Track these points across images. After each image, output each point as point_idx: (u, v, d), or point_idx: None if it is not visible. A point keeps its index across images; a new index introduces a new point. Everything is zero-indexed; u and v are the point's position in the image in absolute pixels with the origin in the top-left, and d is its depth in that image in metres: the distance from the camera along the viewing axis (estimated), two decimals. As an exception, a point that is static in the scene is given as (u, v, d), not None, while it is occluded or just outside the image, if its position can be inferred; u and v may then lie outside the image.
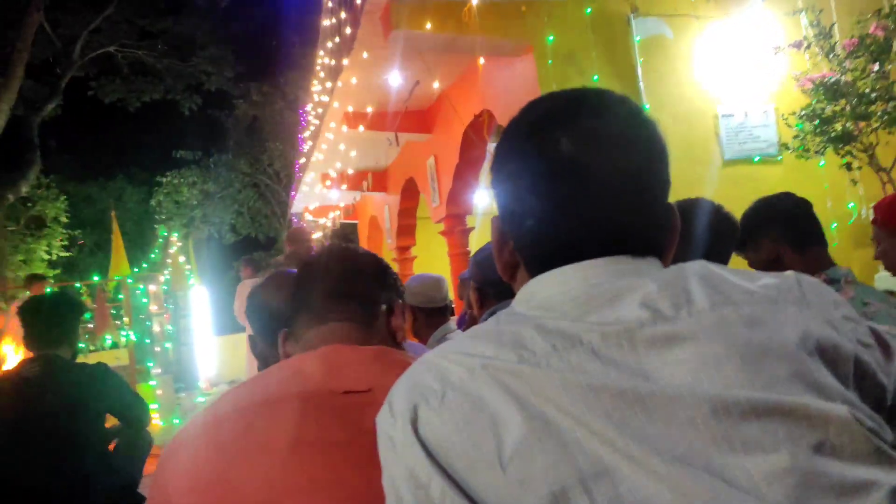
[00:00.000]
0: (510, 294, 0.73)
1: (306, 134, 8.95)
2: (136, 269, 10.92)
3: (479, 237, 6.38)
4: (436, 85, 5.62)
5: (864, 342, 0.63)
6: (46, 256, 14.33)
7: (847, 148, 4.05)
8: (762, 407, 0.54)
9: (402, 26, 4.54)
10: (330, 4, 6.25)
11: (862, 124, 3.96)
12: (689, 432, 0.53)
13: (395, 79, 5.53)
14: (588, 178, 0.66)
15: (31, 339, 2.60)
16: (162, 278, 10.28)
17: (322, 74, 6.98)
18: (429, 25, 4.51)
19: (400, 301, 1.16)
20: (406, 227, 9.00)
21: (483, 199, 7.26)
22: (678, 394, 0.54)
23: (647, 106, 4.41)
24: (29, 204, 14.09)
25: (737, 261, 1.73)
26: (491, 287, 1.84)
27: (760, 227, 1.88)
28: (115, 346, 9.76)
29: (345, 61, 5.57)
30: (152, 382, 8.52)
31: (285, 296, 1.22)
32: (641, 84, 4.58)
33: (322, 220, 12.32)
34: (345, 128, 6.85)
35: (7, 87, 10.88)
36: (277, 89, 17.26)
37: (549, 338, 0.59)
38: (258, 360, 1.53)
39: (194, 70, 16.04)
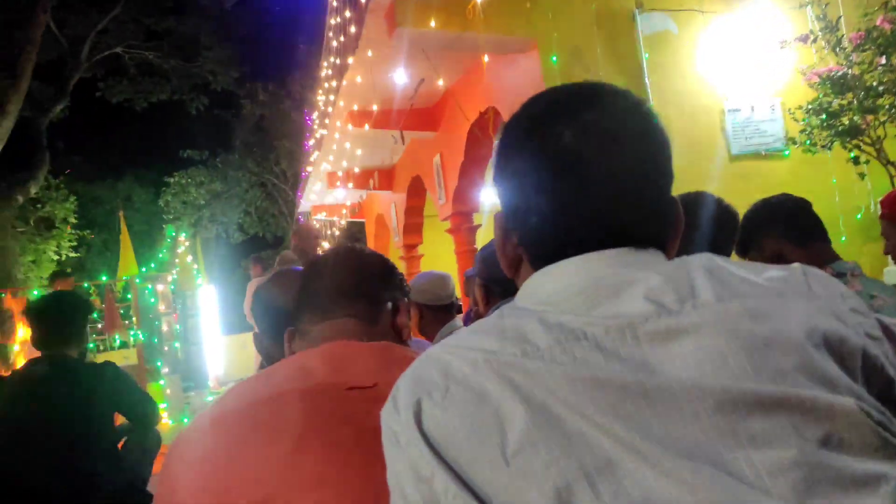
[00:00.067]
0: (516, 291, 0.72)
1: (313, 139, 8.96)
2: (144, 269, 10.96)
3: (486, 234, 6.36)
4: (441, 82, 5.61)
5: (873, 335, 0.63)
6: (55, 257, 14.37)
7: (854, 142, 4.02)
8: (768, 400, 0.53)
9: (407, 24, 4.54)
10: (335, 3, 6.25)
11: (869, 118, 3.92)
12: (695, 426, 0.53)
13: (400, 77, 5.53)
14: (590, 172, 0.66)
15: (39, 339, 2.61)
16: (170, 278, 10.31)
17: (328, 73, 6.99)
18: (433, 23, 4.50)
19: (405, 300, 1.16)
20: (413, 225, 8.99)
21: (490, 197, 7.23)
22: (683, 387, 0.54)
23: (653, 101, 4.38)
24: (38, 205, 14.14)
25: (738, 261, 1.72)
26: (496, 284, 1.84)
27: (761, 227, 1.88)
28: (123, 345, 9.80)
29: (350, 60, 5.58)
30: (161, 382, 8.57)
31: (291, 294, 1.23)
32: (647, 80, 4.56)
33: (323, 216, 12.30)
34: (350, 126, 6.85)
35: (15, 89, 10.92)
36: (283, 89, 17.29)
37: (553, 331, 0.59)
38: (263, 357, 1.54)
39: (200, 70, 16.11)
